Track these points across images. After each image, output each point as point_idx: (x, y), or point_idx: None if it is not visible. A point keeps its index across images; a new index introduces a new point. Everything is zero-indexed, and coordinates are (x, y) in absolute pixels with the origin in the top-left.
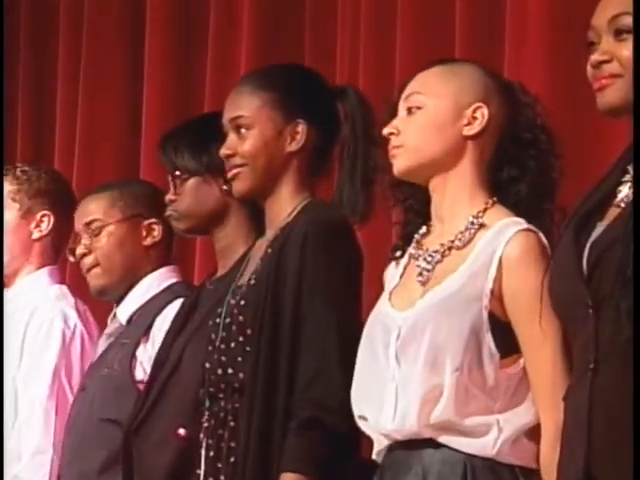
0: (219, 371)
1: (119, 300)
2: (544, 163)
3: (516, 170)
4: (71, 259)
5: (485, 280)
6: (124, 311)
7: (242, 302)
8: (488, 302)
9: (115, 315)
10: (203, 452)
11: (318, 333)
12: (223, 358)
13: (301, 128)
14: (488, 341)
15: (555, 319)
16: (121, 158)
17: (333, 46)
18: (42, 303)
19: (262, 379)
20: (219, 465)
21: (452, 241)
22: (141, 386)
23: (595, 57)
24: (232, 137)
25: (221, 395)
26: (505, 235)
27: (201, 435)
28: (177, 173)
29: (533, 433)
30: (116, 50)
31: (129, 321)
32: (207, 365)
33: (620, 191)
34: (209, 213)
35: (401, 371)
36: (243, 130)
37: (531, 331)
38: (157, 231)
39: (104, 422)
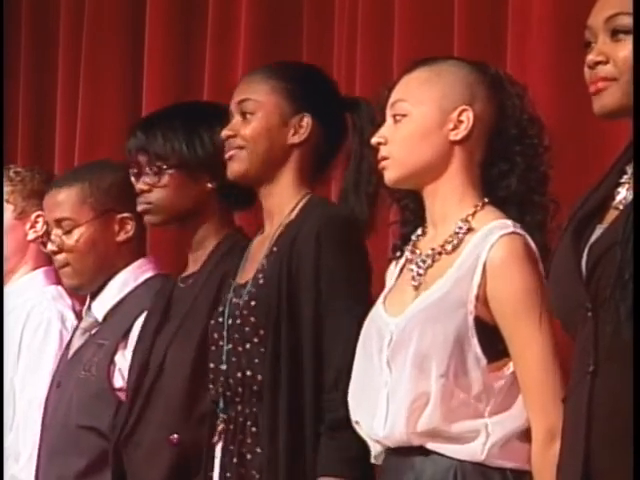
0: (238, 374)
1: (94, 293)
2: (532, 157)
3: (505, 165)
4: (42, 249)
5: (470, 286)
6: (100, 307)
7: (252, 303)
8: (473, 308)
9: (90, 308)
10: (221, 456)
11: (341, 331)
12: (241, 361)
13: (306, 122)
14: (474, 346)
15: (545, 321)
16: (121, 155)
17: (330, 43)
18: (39, 304)
19: (286, 382)
20: (242, 471)
21: (442, 245)
22: (120, 394)
23: (591, 57)
24: (237, 119)
25: (238, 399)
26: (489, 240)
27: (215, 438)
28: (161, 165)
29: (525, 435)
30: (116, 47)
31: (105, 317)
32: (212, 365)
33: (618, 193)
34: (188, 209)
35: (392, 378)
36: (248, 114)
37: (517, 334)
38: (130, 226)
39: (82, 429)
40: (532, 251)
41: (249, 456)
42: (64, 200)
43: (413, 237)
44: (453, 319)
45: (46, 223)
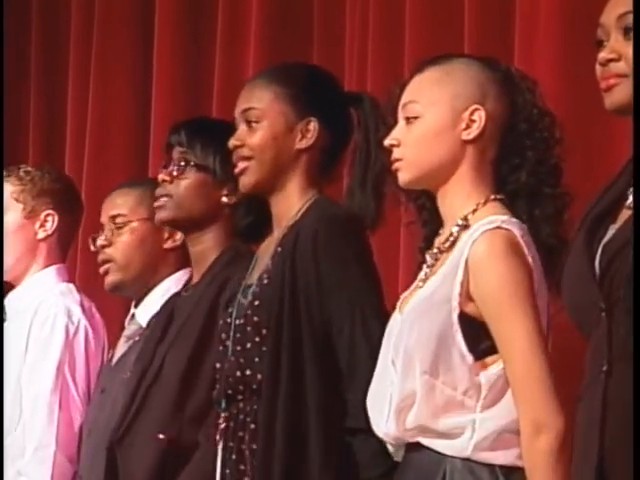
0: (237, 373)
1: (137, 302)
2: (543, 151)
3: (516, 159)
4: (92, 248)
5: (453, 283)
6: (144, 314)
7: (256, 302)
8: (457, 304)
9: (133, 317)
10: (221, 454)
11: (345, 334)
12: (241, 360)
13: (312, 126)
14: (458, 343)
15: (532, 315)
16: (130, 156)
17: (342, 45)
18: (46, 299)
19: (286, 381)
20: (242, 467)
21: (443, 244)
22: None
23: (603, 55)
24: (242, 128)
25: (239, 397)
26: (473, 236)
27: (217, 436)
28: (189, 160)
29: (517, 431)
30: (126, 48)
31: (148, 323)
32: (218, 365)
33: (631, 192)
34: (200, 214)
35: (395, 375)
36: (254, 122)
37: (502, 329)
38: (179, 235)
39: None
40: (516, 245)
41: (247, 452)
42: (122, 200)
43: (436, 239)
44: (438, 316)
45: (100, 225)
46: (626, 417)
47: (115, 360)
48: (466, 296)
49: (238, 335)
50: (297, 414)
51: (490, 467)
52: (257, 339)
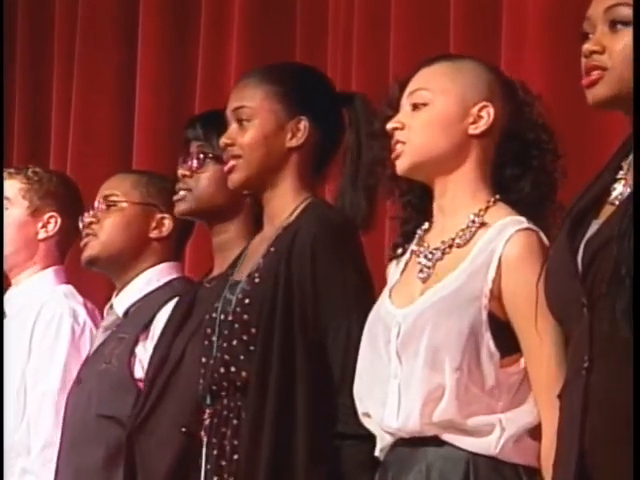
0: (222, 369)
1: (118, 292)
2: (546, 162)
3: (518, 168)
4: (80, 225)
5: (484, 280)
6: (122, 303)
7: (246, 300)
8: (487, 302)
9: (112, 307)
10: (205, 450)
11: (340, 338)
12: (226, 356)
13: (303, 125)
14: (487, 341)
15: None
16: (114, 156)
17: (324, 44)
18: (50, 300)
19: (275, 381)
20: (223, 463)
21: (453, 239)
22: (140, 384)
23: (587, 46)
24: (234, 127)
25: (223, 393)
26: (505, 234)
27: (202, 432)
28: (207, 153)
29: (536, 432)
30: (110, 48)
31: (126, 314)
32: (203, 360)
33: (614, 189)
34: (222, 206)
35: (403, 368)
36: (245, 121)
37: (530, 330)
38: (166, 227)
39: (101, 418)
40: (546, 248)
41: (228, 448)
42: (119, 181)
43: (419, 231)
44: (467, 313)
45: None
46: (607, 414)
47: (92, 350)
48: (494, 294)
49: (225, 332)
50: (285, 415)
51: (514, 467)
52: (244, 337)
